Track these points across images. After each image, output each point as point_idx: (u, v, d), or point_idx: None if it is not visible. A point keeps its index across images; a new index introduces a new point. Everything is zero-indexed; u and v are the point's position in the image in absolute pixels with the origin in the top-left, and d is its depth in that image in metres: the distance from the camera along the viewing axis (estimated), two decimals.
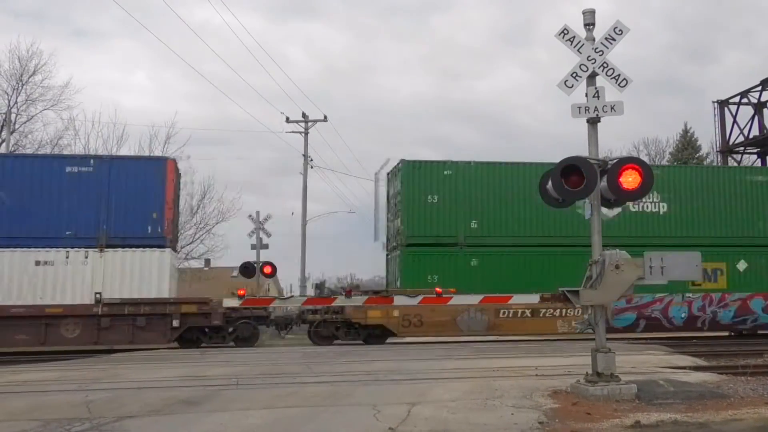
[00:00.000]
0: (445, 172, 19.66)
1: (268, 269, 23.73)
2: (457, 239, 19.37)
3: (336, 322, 18.78)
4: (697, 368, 11.01)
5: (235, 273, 26.79)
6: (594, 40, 8.34)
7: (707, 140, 45.47)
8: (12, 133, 30.62)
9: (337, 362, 12.30)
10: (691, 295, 19.47)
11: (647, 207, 20.14)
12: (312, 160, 33.09)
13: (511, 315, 18.56)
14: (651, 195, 19.71)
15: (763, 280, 19.93)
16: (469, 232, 19.39)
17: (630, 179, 7.86)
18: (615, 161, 8.06)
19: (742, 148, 32.08)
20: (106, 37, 79.78)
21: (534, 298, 9.77)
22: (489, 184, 19.93)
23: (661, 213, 20.22)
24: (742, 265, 20.02)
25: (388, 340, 18.82)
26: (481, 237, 19.44)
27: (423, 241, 19.29)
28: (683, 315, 19.08)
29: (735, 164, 31.91)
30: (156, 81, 77.72)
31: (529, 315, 18.60)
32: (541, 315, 18.63)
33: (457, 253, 19.30)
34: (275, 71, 74.10)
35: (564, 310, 18.45)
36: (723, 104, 31.98)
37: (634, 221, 20.01)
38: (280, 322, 19.47)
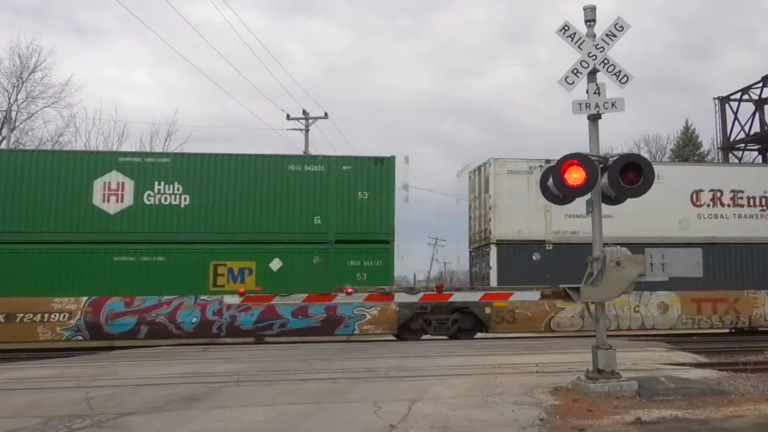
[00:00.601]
0: None
1: None
2: None
3: None
4: (697, 365, 11.02)
5: None
6: (595, 36, 8.33)
7: (708, 137, 45.67)
8: (12, 130, 30.64)
9: (337, 359, 12.31)
10: (207, 297, 17.06)
11: (166, 199, 17.63)
12: None
13: None
14: (172, 186, 17.72)
15: (301, 280, 17.12)
16: None
17: (631, 176, 7.87)
18: (616, 158, 8.06)
19: (743, 145, 32.06)
20: (107, 34, 79.78)
21: (535, 296, 9.78)
22: None
23: (183, 206, 17.69)
24: (275, 264, 17.66)
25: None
26: None
27: None
28: (194, 320, 16.75)
29: (736, 161, 31.87)
30: (157, 78, 77.73)
31: (2, 320, 16.05)
32: (17, 321, 16.11)
33: None
34: (276, 69, 74.02)
35: (48, 315, 16.24)
36: (724, 101, 31.93)
37: (152, 215, 17.53)
38: None
